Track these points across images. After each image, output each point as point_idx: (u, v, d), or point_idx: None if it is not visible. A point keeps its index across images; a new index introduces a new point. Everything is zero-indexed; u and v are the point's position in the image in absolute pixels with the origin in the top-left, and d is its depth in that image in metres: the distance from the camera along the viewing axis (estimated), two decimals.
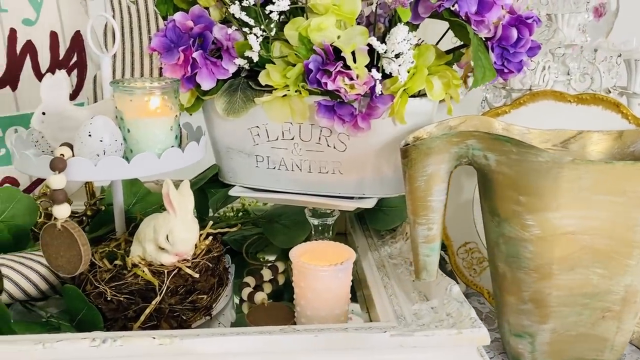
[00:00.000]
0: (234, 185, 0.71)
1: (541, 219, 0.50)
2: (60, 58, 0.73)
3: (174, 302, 0.57)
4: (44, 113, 0.59)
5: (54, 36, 0.73)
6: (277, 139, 0.65)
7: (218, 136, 0.68)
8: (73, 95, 0.75)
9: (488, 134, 0.50)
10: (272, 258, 0.81)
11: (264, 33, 0.57)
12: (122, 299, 0.56)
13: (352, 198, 0.66)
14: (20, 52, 0.72)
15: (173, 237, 0.56)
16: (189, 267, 0.58)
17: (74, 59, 0.74)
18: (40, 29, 0.72)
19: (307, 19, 0.58)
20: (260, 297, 0.66)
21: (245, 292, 0.68)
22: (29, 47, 0.72)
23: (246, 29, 0.58)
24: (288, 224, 0.78)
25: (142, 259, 0.59)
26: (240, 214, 0.83)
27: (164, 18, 0.65)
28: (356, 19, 0.58)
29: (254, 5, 0.57)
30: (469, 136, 0.51)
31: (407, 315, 0.57)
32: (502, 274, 0.56)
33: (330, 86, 0.56)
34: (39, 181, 0.76)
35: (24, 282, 0.59)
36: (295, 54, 0.59)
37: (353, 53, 0.56)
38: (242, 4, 0.57)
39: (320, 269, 0.57)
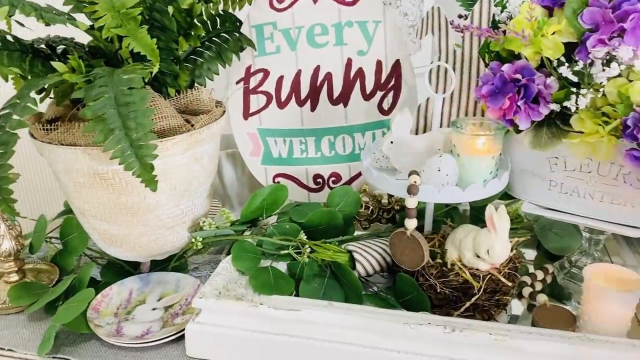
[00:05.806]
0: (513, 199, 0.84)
1: None
2: (382, 82, 0.91)
3: (484, 299, 0.74)
4: (392, 142, 0.77)
5: (379, 64, 0.90)
6: (574, 170, 0.76)
7: (516, 160, 0.80)
8: (388, 112, 0.92)
9: None
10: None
11: (591, 91, 0.67)
12: (447, 291, 0.74)
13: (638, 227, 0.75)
14: (353, 77, 0.91)
15: (493, 252, 0.71)
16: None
17: (392, 82, 0.91)
18: (369, 58, 0.90)
19: (627, 79, 0.67)
20: (542, 298, 0.79)
21: (527, 290, 0.82)
22: (360, 73, 0.91)
23: (573, 88, 0.68)
24: (560, 233, 0.89)
25: (459, 261, 0.75)
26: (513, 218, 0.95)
27: (484, 61, 0.78)
28: None
29: (582, 69, 0.67)
30: None
31: None
32: None
33: None
34: (356, 177, 0.96)
35: (367, 265, 0.80)
36: (613, 109, 0.68)
37: None
38: (574, 69, 0.67)
39: (616, 293, 0.68)
